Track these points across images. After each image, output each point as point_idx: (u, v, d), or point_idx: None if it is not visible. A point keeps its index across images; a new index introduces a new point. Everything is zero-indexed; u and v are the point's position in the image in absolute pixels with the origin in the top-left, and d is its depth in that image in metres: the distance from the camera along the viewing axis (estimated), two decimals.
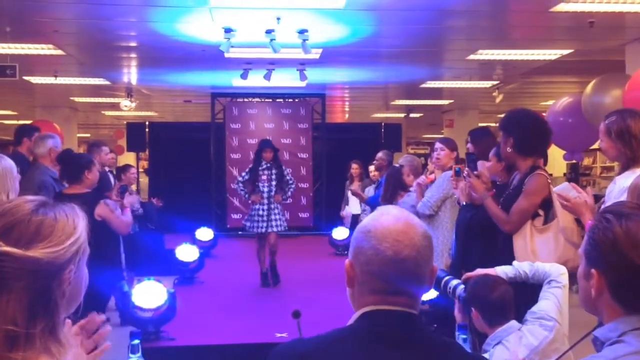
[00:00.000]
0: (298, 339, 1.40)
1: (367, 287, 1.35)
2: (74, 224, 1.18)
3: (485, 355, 2.50)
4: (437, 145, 5.09)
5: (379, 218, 1.37)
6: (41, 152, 5.32)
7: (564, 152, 8.69)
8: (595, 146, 9.51)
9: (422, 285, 1.36)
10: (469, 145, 4.76)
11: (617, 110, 3.30)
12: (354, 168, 9.08)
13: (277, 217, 7.42)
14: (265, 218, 7.36)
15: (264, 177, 7.38)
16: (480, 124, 12.73)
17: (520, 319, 2.58)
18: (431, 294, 4.38)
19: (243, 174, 7.67)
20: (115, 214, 4.26)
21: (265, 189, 7.37)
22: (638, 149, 3.02)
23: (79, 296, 1.22)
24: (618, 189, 3.01)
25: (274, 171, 7.43)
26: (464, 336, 2.63)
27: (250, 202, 7.58)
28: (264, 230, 7.37)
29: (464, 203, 3.86)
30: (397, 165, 5.86)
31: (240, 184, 7.58)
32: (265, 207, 7.36)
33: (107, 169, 6.77)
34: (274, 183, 7.40)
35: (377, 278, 1.33)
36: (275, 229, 7.40)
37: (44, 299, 1.11)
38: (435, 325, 4.39)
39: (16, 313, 1.07)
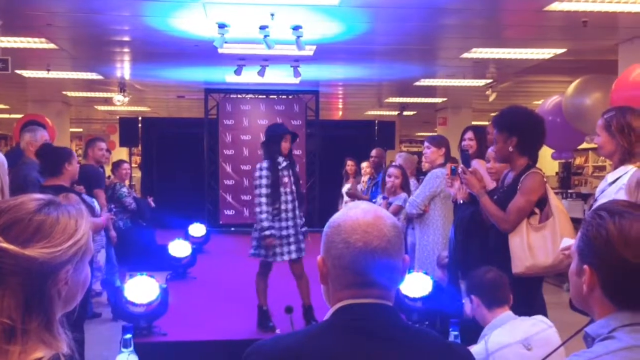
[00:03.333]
0: (273, 338, 1.40)
1: (340, 282, 1.37)
2: (76, 226, 1.18)
3: (481, 341, 2.56)
4: (425, 143, 5.20)
5: (347, 212, 1.39)
6: (22, 146, 5.34)
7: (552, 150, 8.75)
8: (587, 146, 9.57)
9: (394, 276, 1.38)
10: (468, 142, 4.76)
11: (615, 107, 3.37)
12: (349, 165, 9.07)
13: (302, 237, 5.20)
14: (292, 239, 5.11)
15: (285, 180, 5.05)
16: (474, 122, 12.77)
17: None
18: (424, 291, 4.41)
19: (262, 181, 4.97)
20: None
21: (289, 197, 5.07)
22: (636, 144, 3.05)
23: (76, 295, 1.22)
24: (617, 187, 3.03)
25: (291, 171, 5.15)
26: (456, 332, 2.66)
27: (263, 237, 4.99)
28: (294, 256, 5.12)
29: (461, 201, 3.86)
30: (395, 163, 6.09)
31: (264, 199, 4.97)
32: (291, 222, 5.10)
33: (97, 164, 6.72)
34: (294, 188, 5.14)
35: (349, 271, 1.34)
36: (298, 255, 5.18)
37: (38, 296, 1.12)
38: (427, 322, 4.42)
39: (11, 307, 1.09)
